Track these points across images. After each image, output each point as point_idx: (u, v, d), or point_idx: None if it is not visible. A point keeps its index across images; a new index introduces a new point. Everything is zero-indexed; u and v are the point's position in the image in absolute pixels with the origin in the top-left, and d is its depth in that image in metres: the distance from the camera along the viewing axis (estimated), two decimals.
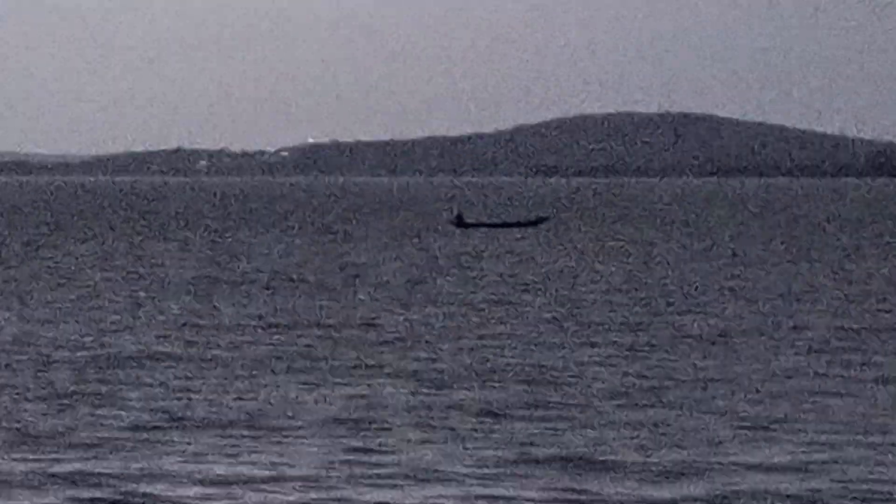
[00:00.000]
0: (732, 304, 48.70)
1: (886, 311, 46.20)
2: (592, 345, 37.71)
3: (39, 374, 30.53)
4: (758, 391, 27.72)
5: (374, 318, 43.78)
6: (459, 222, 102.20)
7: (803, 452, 21.18)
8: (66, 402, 26.80)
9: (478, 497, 18.00)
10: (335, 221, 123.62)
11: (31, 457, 19.82)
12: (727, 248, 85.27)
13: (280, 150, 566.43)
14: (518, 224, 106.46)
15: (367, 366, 32.33)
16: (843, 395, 27.41)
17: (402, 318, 44.39)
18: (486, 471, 19.41)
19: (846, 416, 24.68)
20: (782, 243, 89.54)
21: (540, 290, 55.38)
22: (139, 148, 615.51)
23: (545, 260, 73.06)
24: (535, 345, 37.85)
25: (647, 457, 20.25)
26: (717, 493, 17.98)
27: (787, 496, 17.48)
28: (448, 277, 59.54)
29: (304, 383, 29.39)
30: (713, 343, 36.48)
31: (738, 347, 35.95)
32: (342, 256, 78.76)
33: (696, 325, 41.63)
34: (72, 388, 28.40)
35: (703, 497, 17.81)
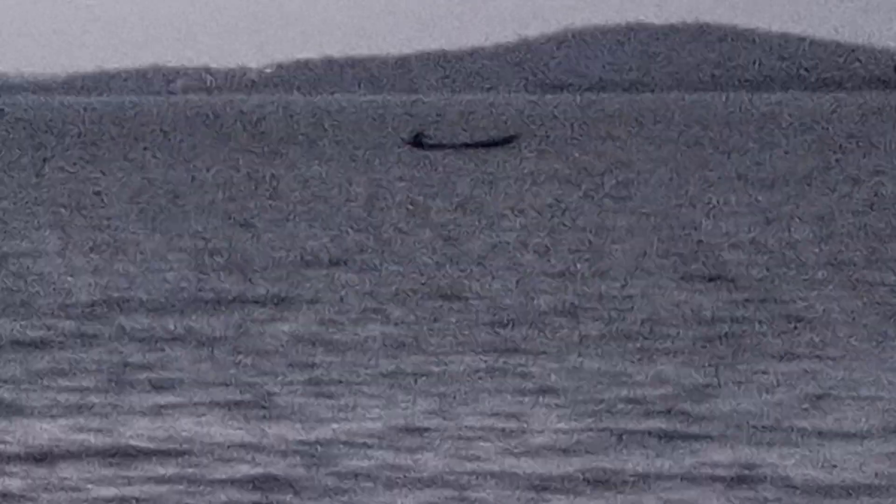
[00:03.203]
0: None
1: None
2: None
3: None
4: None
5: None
6: (417, 142, 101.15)
7: None
8: None
9: None
10: (284, 141, 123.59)
11: None
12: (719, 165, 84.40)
13: (265, 68, 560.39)
14: (484, 144, 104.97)
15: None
16: None
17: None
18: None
19: None
20: (764, 162, 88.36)
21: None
22: (113, 66, 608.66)
23: (503, 186, 71.40)
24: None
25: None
26: None
27: None
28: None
29: None
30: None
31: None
32: (275, 178, 77.38)
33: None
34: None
35: None
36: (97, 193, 66.26)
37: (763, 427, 17.00)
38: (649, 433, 16.97)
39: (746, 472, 14.62)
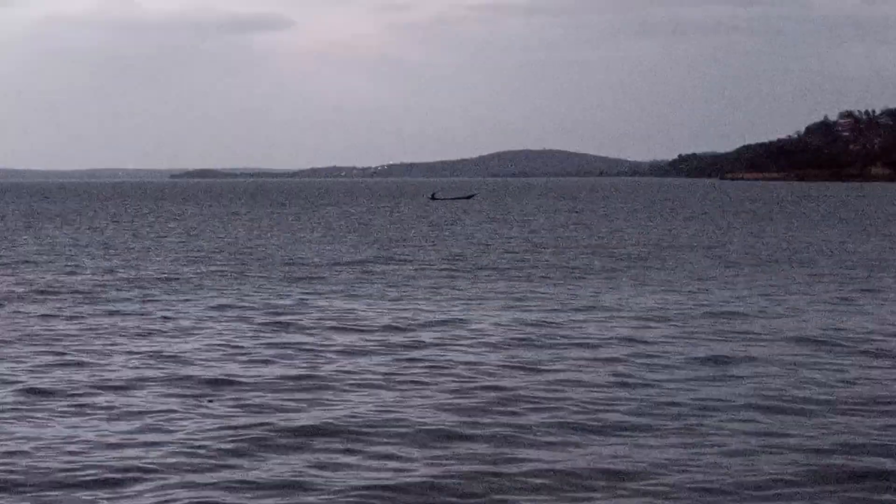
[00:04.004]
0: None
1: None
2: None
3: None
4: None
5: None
6: (433, 198, 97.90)
7: None
8: None
9: None
10: (382, 199, 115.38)
11: None
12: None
13: (378, 167, 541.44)
14: (460, 197, 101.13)
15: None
16: None
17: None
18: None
19: None
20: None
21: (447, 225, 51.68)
22: (318, 165, 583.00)
23: (463, 212, 68.24)
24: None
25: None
26: None
27: None
28: (410, 227, 54.54)
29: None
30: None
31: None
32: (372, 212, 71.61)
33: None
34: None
35: None
36: (296, 221, 57.10)
37: None
38: None
39: None
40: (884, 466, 8.10)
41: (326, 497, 7.38)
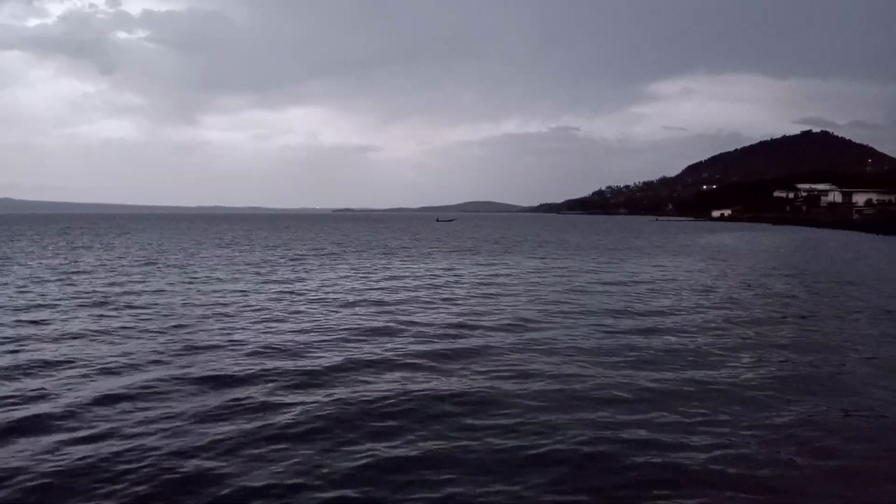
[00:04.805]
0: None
1: None
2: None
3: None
4: None
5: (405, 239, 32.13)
6: (438, 220, 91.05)
7: None
8: None
9: None
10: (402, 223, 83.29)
11: None
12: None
13: (419, 207, 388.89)
14: (449, 220, 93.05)
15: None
16: None
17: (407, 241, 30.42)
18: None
19: None
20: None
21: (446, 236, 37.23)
22: (392, 206, 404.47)
23: (452, 228, 56.28)
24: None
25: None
26: None
27: None
28: (428, 232, 43.46)
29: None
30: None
31: None
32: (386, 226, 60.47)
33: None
34: None
35: None
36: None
37: None
38: None
39: None
40: (644, 323, 7.35)
41: None
